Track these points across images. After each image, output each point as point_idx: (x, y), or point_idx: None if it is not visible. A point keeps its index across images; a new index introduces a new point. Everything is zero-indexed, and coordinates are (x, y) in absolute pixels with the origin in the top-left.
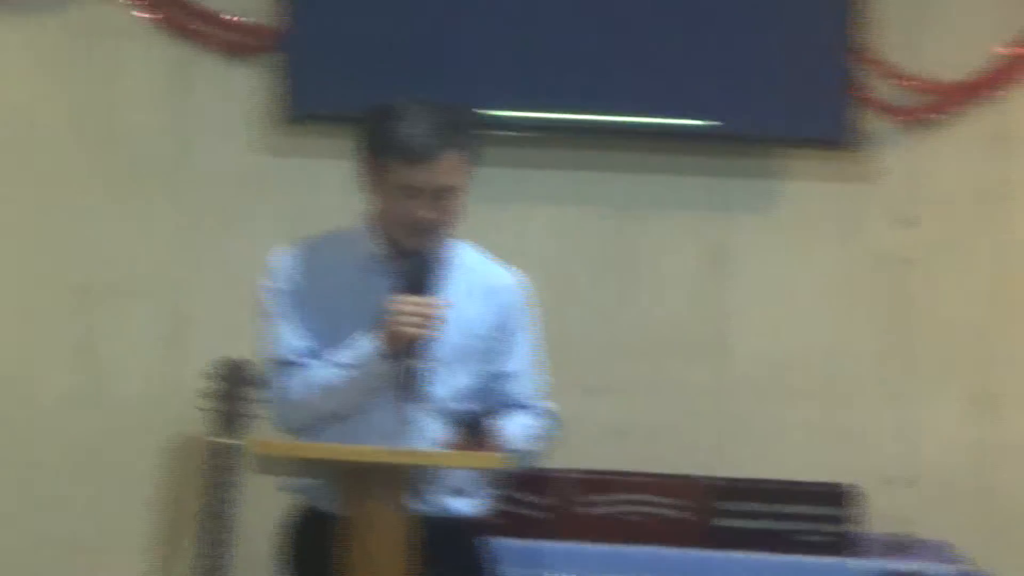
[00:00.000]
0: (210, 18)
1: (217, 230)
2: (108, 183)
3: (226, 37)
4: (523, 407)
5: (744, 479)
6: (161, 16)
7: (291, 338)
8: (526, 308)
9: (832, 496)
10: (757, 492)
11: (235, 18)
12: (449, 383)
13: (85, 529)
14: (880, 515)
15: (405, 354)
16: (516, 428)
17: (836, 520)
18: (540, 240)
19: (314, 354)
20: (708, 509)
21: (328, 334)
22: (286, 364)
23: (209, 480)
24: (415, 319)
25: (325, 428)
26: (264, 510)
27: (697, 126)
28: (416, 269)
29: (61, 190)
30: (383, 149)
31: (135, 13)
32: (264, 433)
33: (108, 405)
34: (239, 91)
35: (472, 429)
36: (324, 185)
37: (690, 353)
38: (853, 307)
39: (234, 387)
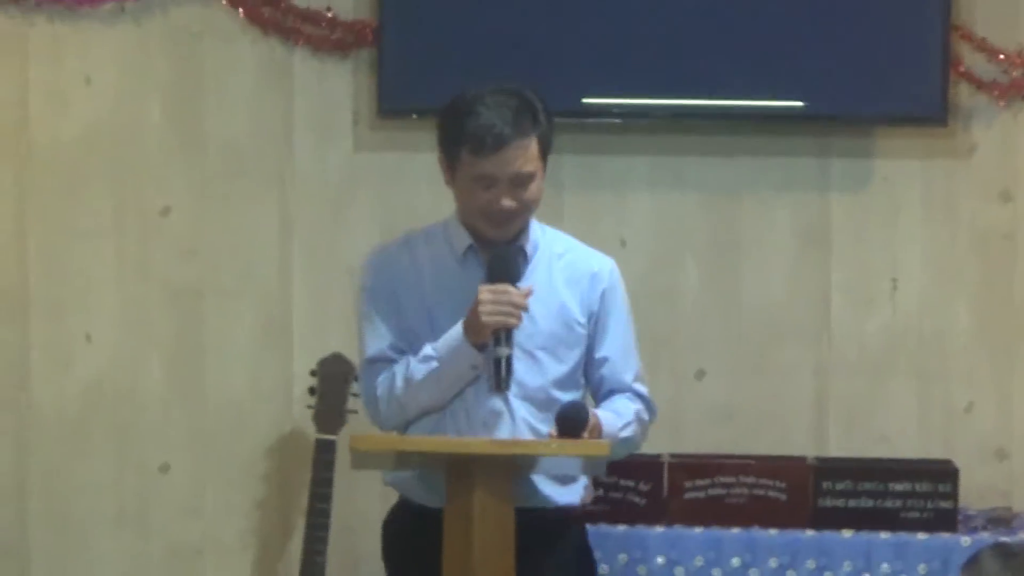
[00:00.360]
0: (307, 16)
1: (317, 227)
2: (208, 183)
3: (323, 34)
4: (618, 392)
5: (847, 458)
6: (258, 15)
7: (382, 337)
8: (619, 292)
9: (936, 473)
10: (860, 471)
11: (331, 15)
12: (545, 371)
13: (191, 529)
14: (979, 490)
15: (492, 343)
16: (612, 415)
17: (940, 496)
18: (638, 227)
19: (404, 352)
20: (813, 489)
21: (422, 331)
22: (376, 362)
23: (315, 477)
24: (500, 308)
25: (418, 423)
26: (367, 506)
27: (794, 107)
28: (500, 258)
29: (160, 191)
30: (455, 142)
31: (231, 13)
32: (365, 430)
33: (211, 405)
34: (337, 88)
35: (568, 418)
36: (421, 180)
37: (792, 334)
38: (952, 283)
39: (338, 384)
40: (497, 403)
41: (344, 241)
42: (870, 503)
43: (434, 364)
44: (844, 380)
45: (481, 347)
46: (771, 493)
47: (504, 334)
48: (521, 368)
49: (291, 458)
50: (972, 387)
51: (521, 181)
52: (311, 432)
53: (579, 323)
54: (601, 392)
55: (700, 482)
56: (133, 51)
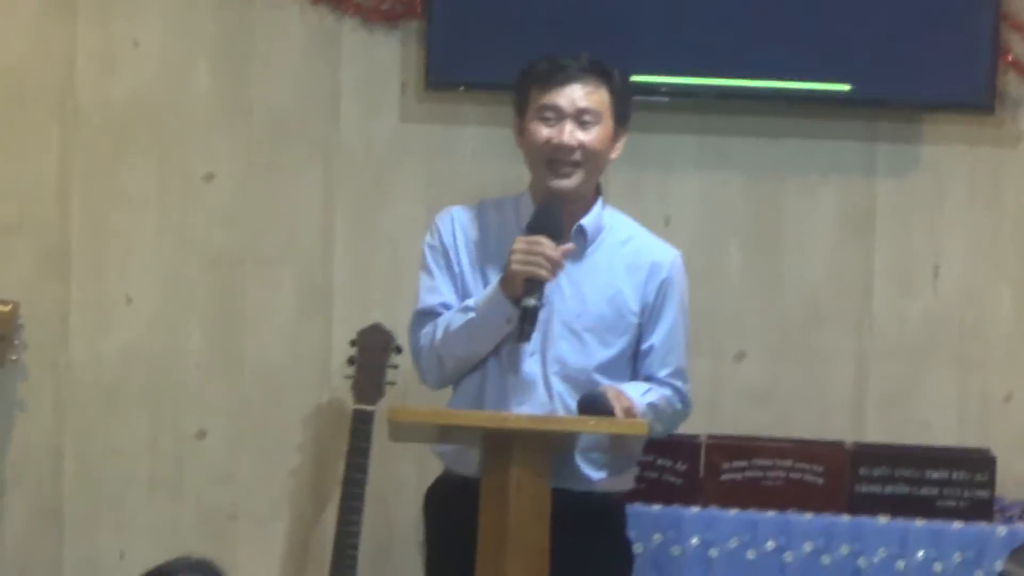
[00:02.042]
0: None
1: (360, 198)
2: (252, 150)
3: (372, 4)
4: (652, 379)
5: (885, 444)
6: None
7: (435, 292)
8: (677, 286)
9: (973, 461)
10: (899, 457)
11: None
12: (590, 354)
13: (225, 496)
14: (1017, 480)
15: (524, 294)
16: (633, 385)
17: (976, 485)
18: (683, 206)
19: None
20: (850, 474)
21: (476, 293)
22: (425, 314)
23: (352, 447)
24: (530, 258)
25: (459, 393)
26: (402, 478)
27: (841, 90)
28: (542, 212)
29: (205, 158)
30: (525, 81)
31: None
32: (401, 401)
33: (249, 372)
34: (384, 59)
35: (589, 408)
36: (467, 154)
37: (833, 318)
38: (995, 272)
39: (377, 355)
40: (535, 379)
41: (387, 212)
42: (906, 490)
43: (471, 315)
44: (884, 366)
45: (516, 301)
46: (808, 477)
47: (535, 286)
48: (565, 347)
49: (328, 428)
50: (1012, 376)
51: (585, 120)
52: (349, 402)
53: (632, 312)
54: (638, 379)
55: (737, 463)
56: (181, 15)
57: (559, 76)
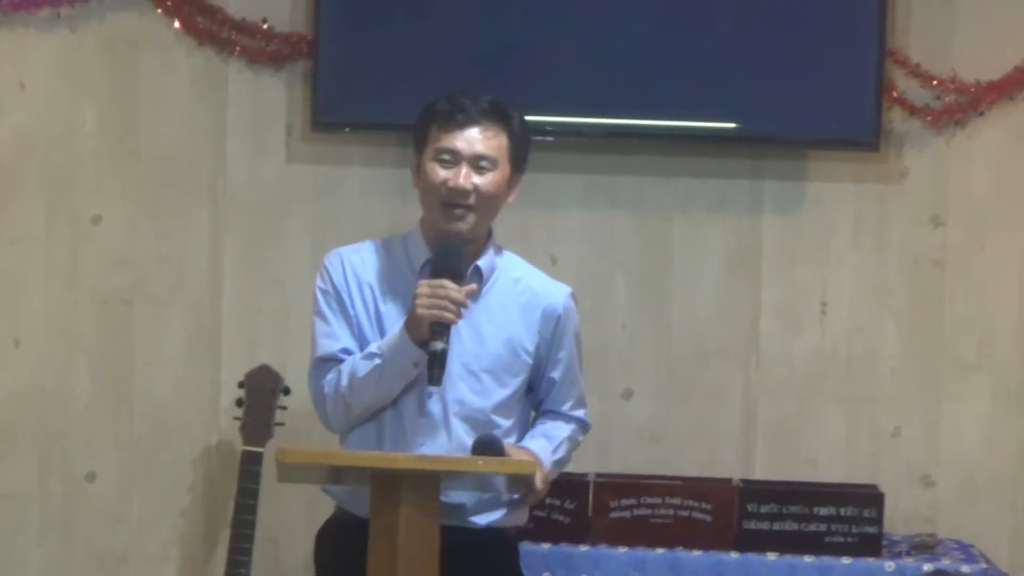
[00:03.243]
0: (242, 27)
1: (248, 238)
2: (140, 192)
3: (258, 46)
4: (553, 414)
5: (772, 481)
6: (193, 25)
7: (333, 337)
8: (572, 321)
9: (862, 497)
10: (787, 494)
11: (267, 26)
12: (488, 394)
13: (116, 538)
14: (904, 516)
15: (429, 338)
16: (544, 440)
17: (865, 521)
18: (571, 244)
19: (352, 354)
20: (739, 511)
21: (372, 336)
22: (326, 361)
23: (241, 488)
24: (436, 301)
25: (356, 434)
26: (292, 518)
27: (725, 128)
28: (443, 253)
29: (93, 199)
30: (426, 119)
31: (167, 22)
32: (290, 442)
33: (139, 414)
34: (270, 99)
35: (483, 451)
36: (353, 194)
37: (720, 355)
38: (881, 308)
39: (266, 396)
40: (435, 419)
41: (275, 253)
42: (795, 526)
43: (377, 360)
44: (772, 402)
45: (422, 344)
46: (696, 515)
47: (441, 329)
48: (465, 388)
49: (217, 469)
50: (899, 413)
51: (482, 165)
52: (238, 443)
53: (527, 351)
54: (540, 410)
55: (626, 502)
56: (68, 58)
57: (459, 118)
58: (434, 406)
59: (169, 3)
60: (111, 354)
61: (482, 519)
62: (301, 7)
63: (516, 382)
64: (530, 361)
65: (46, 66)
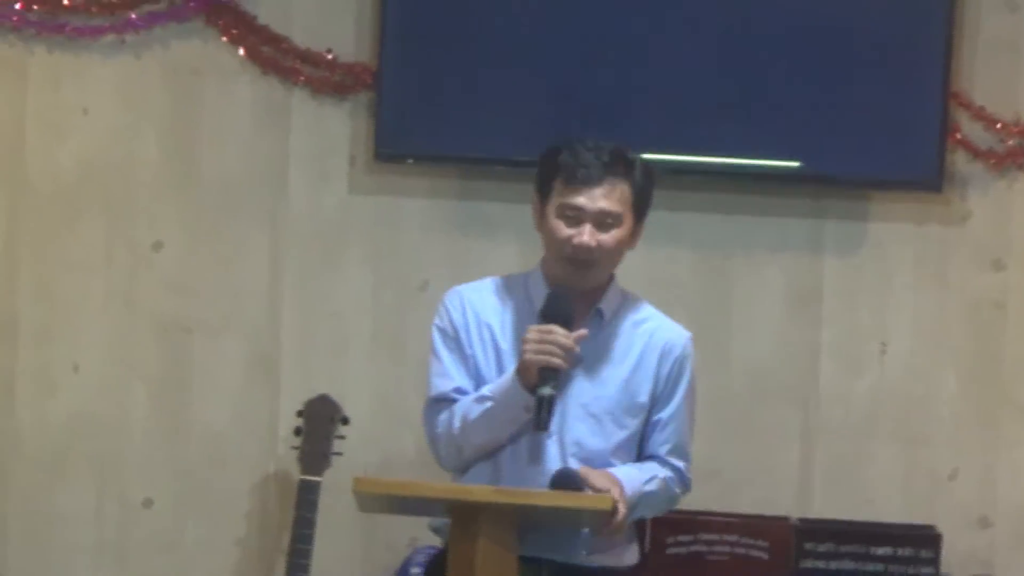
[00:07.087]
0: (307, 56)
1: (308, 268)
2: (200, 219)
3: (322, 75)
4: (654, 457)
5: (829, 520)
6: (258, 53)
7: (448, 377)
8: (688, 366)
9: (918, 538)
10: (844, 533)
11: (331, 56)
12: (608, 436)
13: (169, 565)
14: (961, 558)
15: (539, 383)
16: (635, 469)
17: (922, 562)
18: (630, 281)
19: (467, 394)
20: (796, 550)
21: (490, 376)
22: (440, 401)
23: (298, 517)
24: (543, 347)
25: (476, 463)
26: (343, 550)
27: (788, 167)
28: (553, 299)
29: (154, 226)
30: (550, 174)
31: (231, 50)
32: (346, 470)
33: (196, 441)
34: (333, 129)
35: (561, 486)
36: (414, 225)
37: (779, 394)
38: (940, 350)
39: (324, 425)
40: (552, 461)
41: (334, 283)
42: (852, 565)
43: (488, 404)
44: (830, 442)
45: (533, 389)
46: (753, 552)
47: (550, 374)
48: (583, 429)
49: (274, 498)
50: (957, 454)
51: (605, 222)
52: (295, 472)
53: (645, 392)
54: (643, 454)
55: (683, 538)
56: (131, 84)
57: (581, 174)
58: (552, 447)
59: (234, 31)
60: (169, 381)
61: (596, 560)
62: (366, 38)
63: (635, 424)
64: (647, 403)
65: (109, 92)
